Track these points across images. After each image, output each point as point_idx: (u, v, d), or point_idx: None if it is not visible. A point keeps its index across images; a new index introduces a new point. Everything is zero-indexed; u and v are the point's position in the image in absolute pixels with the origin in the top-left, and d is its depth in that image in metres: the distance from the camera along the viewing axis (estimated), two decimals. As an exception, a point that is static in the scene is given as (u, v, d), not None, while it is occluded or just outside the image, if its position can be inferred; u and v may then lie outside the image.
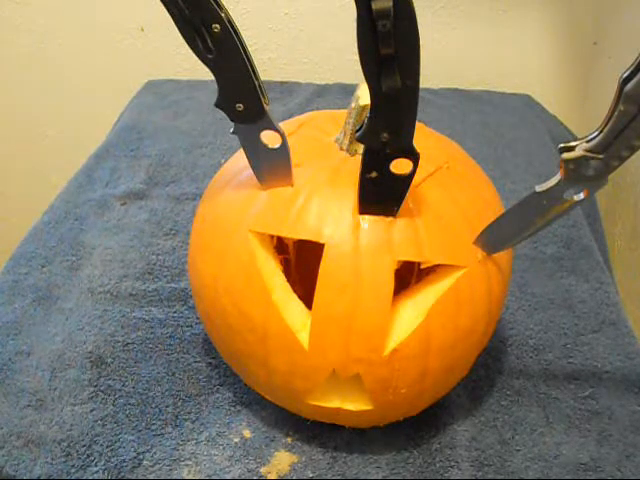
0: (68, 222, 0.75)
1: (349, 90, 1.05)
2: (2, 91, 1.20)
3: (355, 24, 0.34)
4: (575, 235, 0.76)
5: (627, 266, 0.92)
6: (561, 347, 0.61)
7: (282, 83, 1.10)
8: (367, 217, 0.44)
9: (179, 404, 0.54)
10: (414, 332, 0.44)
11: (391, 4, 0.32)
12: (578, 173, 0.37)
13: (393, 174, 0.41)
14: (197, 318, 0.62)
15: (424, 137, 0.48)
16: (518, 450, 0.52)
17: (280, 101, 1.03)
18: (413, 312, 0.44)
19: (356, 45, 0.34)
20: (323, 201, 0.44)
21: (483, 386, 0.57)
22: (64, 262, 0.69)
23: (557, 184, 0.39)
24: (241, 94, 0.41)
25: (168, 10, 0.38)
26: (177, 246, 0.72)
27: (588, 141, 0.36)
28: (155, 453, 0.50)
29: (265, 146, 0.44)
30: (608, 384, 0.57)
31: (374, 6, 0.32)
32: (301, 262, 0.58)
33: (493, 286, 0.47)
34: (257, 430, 0.53)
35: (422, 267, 0.45)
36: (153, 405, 0.54)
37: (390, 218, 0.44)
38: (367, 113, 0.39)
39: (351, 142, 0.48)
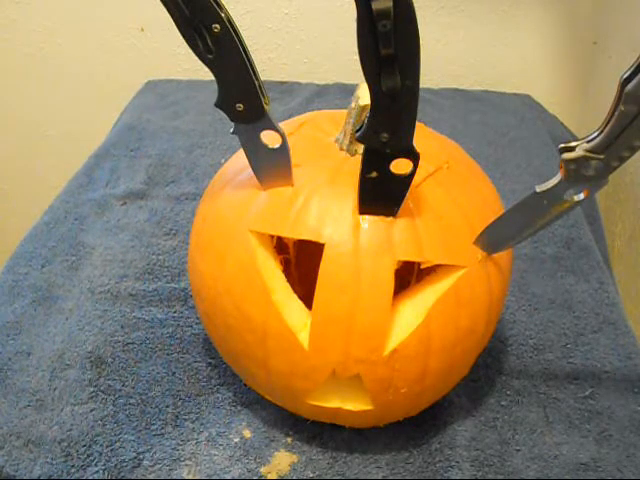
0: (68, 222, 0.75)
1: (349, 90, 1.05)
2: (2, 91, 1.20)
3: (355, 24, 0.34)
4: (575, 235, 0.76)
5: (627, 266, 0.92)
6: (561, 347, 0.61)
7: (282, 83, 1.10)
8: (367, 217, 0.44)
9: (179, 404, 0.54)
10: (414, 332, 0.44)
11: (391, 4, 0.32)
12: (578, 173, 0.38)
13: (393, 174, 0.41)
14: (197, 318, 0.62)
15: (424, 137, 0.48)
16: (518, 450, 0.52)
17: (280, 101, 1.03)
18: (413, 312, 0.44)
19: (356, 45, 0.34)
20: (323, 201, 0.44)
21: (483, 386, 0.57)
22: (64, 262, 0.69)
23: (557, 184, 0.39)
24: (241, 94, 0.41)
25: (168, 10, 0.38)
26: (177, 246, 0.72)
27: (588, 141, 0.36)
28: (155, 453, 0.50)
29: (265, 146, 0.44)
30: (608, 384, 0.57)
31: (374, 6, 0.32)
32: (301, 262, 0.58)
33: (493, 286, 0.47)
34: (257, 430, 0.53)
35: (422, 267, 0.45)
36: (153, 405, 0.54)
37: (390, 218, 0.44)
38: (367, 113, 0.39)
39: (351, 142, 0.48)
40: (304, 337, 0.44)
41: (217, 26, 0.38)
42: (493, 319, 0.49)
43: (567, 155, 0.37)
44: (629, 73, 0.33)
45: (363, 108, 0.46)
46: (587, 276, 0.70)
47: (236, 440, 0.52)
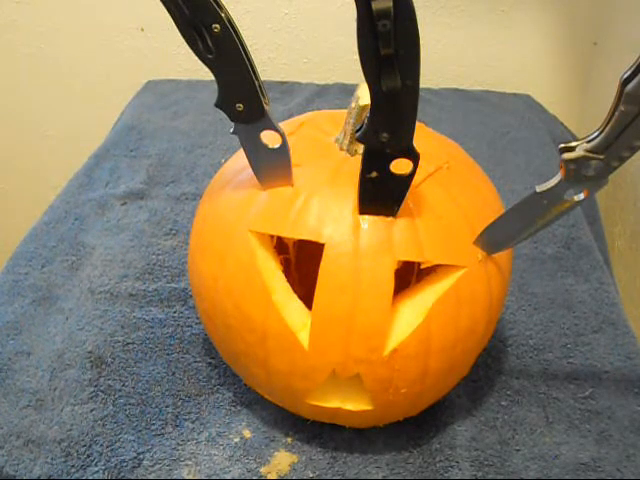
0: (68, 222, 0.75)
1: (349, 90, 1.05)
2: (2, 91, 1.20)
3: (355, 24, 0.34)
4: (575, 235, 0.76)
5: (627, 266, 0.92)
6: (561, 347, 0.61)
7: (282, 83, 1.10)
8: (367, 217, 0.44)
9: (179, 404, 0.54)
10: (414, 332, 0.44)
11: (391, 4, 0.32)
12: (578, 173, 0.38)
13: (393, 174, 0.41)
14: (197, 318, 0.62)
15: (424, 137, 0.48)
16: (518, 450, 0.52)
17: (280, 101, 1.03)
18: (413, 312, 0.44)
19: (356, 45, 0.34)
20: (323, 201, 0.44)
21: (483, 386, 0.57)
22: (64, 262, 0.69)
23: (557, 184, 0.39)
24: (241, 94, 0.41)
25: (168, 10, 0.38)
26: (177, 246, 0.72)
27: (589, 141, 0.36)
28: (155, 453, 0.50)
29: (265, 146, 0.44)
30: (608, 384, 0.57)
31: (374, 6, 0.32)
32: (301, 262, 0.58)
33: (493, 286, 0.47)
34: (257, 430, 0.53)
35: (422, 267, 0.45)
36: (153, 405, 0.54)
37: (390, 218, 0.44)
38: (367, 113, 0.39)
39: (351, 142, 0.48)
40: (304, 337, 0.44)
41: (217, 26, 0.38)
42: (493, 319, 0.49)
43: (567, 155, 0.37)
44: (629, 73, 0.33)
45: (363, 108, 0.46)
46: (587, 276, 0.70)
47: (236, 440, 0.52)
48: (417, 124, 0.39)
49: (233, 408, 0.55)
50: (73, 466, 0.49)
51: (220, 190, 0.49)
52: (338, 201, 0.44)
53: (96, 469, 0.49)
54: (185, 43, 0.39)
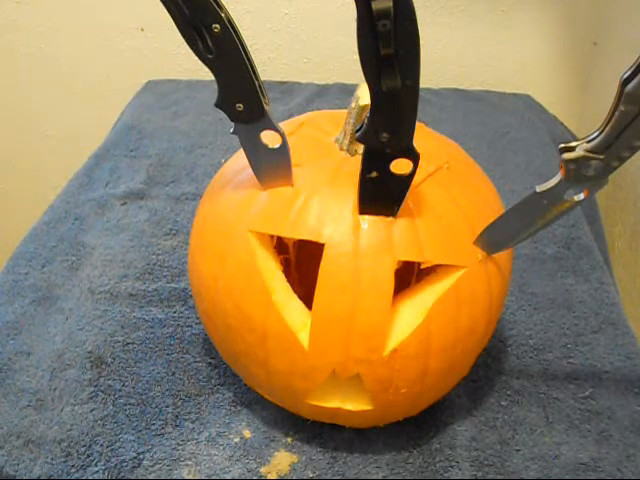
0: (68, 222, 0.75)
1: (349, 90, 1.05)
2: (2, 91, 1.20)
3: (355, 24, 0.34)
4: (575, 235, 0.76)
5: (627, 266, 0.92)
6: (561, 347, 0.61)
7: (282, 83, 1.10)
8: (367, 217, 0.44)
9: (179, 404, 0.54)
10: (414, 332, 0.44)
11: (391, 4, 0.32)
12: (578, 173, 0.38)
13: (393, 174, 0.41)
14: (197, 318, 0.62)
15: (424, 137, 0.48)
16: (518, 450, 0.52)
17: (280, 101, 1.03)
18: (413, 312, 0.44)
19: (356, 45, 0.34)
20: (323, 201, 0.44)
21: (483, 386, 0.57)
22: (64, 262, 0.69)
23: (557, 184, 0.39)
24: (241, 94, 0.41)
25: (168, 10, 0.38)
26: (177, 246, 0.72)
27: (589, 141, 0.36)
28: (155, 453, 0.50)
29: (265, 146, 0.44)
30: (608, 384, 0.57)
31: (374, 6, 0.32)
32: (301, 262, 0.58)
33: (493, 286, 0.47)
34: (257, 430, 0.53)
35: (422, 267, 0.45)
36: (153, 405, 0.54)
37: (390, 218, 0.44)
38: (367, 113, 0.39)
39: (351, 142, 0.48)
40: (304, 337, 0.44)
41: (217, 26, 0.38)
42: (493, 319, 0.49)
43: (567, 155, 0.37)
44: (629, 73, 0.33)
45: (363, 108, 0.46)
46: (587, 276, 0.70)
47: (236, 440, 0.52)
48: (417, 124, 0.39)
49: (233, 408, 0.55)
50: (73, 466, 0.49)
51: (220, 190, 0.49)
52: (338, 201, 0.44)
53: (96, 469, 0.49)
54: (185, 43, 0.39)
